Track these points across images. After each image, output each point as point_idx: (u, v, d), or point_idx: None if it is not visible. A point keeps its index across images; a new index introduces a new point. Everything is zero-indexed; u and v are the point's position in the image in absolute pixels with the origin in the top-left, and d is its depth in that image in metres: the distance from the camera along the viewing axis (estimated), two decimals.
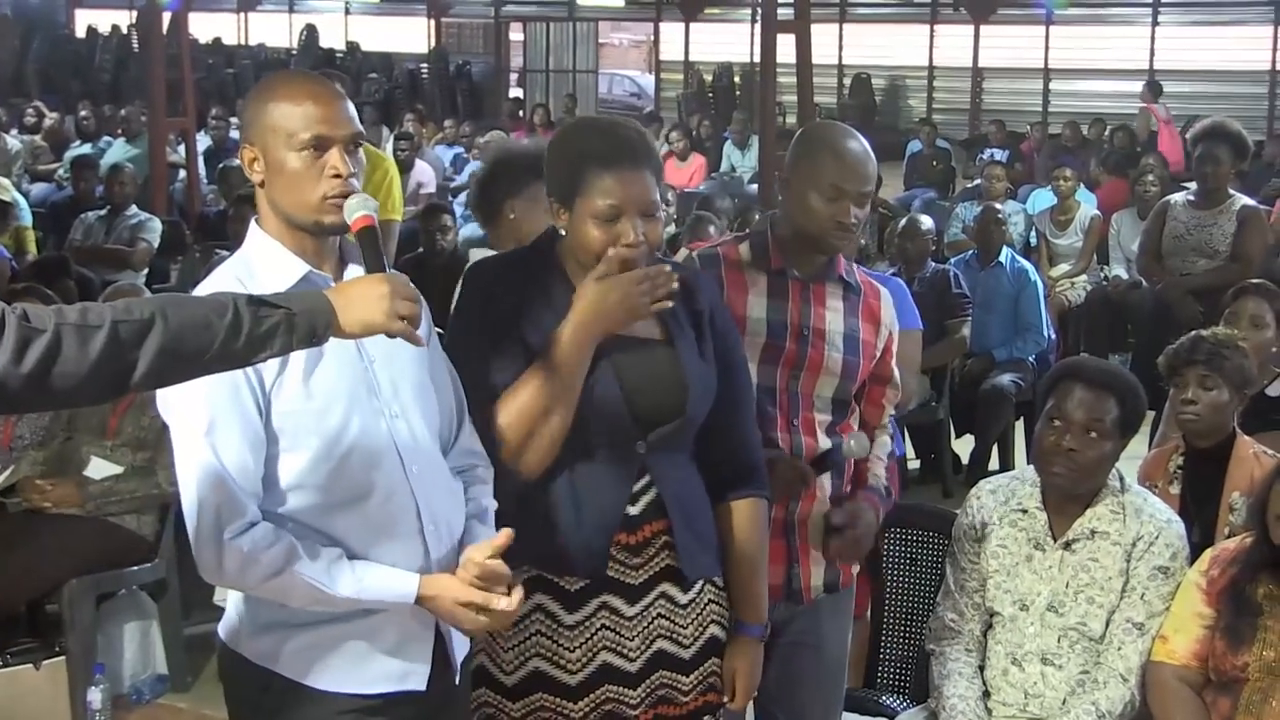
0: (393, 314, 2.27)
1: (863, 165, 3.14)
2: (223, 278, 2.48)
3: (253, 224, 2.54)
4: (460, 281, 2.89)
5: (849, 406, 3.28)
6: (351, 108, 2.52)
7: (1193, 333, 4.09)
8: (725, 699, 2.92)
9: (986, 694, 3.50)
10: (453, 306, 2.90)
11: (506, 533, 2.50)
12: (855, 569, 3.38)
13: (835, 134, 3.22)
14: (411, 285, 2.34)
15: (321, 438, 2.43)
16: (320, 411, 2.43)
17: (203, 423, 2.37)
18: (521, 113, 19.76)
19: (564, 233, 2.76)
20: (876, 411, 3.36)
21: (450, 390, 2.68)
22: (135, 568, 4.86)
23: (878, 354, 3.30)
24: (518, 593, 2.51)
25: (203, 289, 2.44)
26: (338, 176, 2.44)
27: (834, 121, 3.52)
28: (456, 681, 2.63)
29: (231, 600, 2.57)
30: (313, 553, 2.40)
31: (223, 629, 2.59)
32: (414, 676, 2.54)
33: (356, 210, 2.44)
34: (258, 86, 2.55)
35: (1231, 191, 7.09)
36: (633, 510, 2.78)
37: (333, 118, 2.45)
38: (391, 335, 2.30)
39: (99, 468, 4.76)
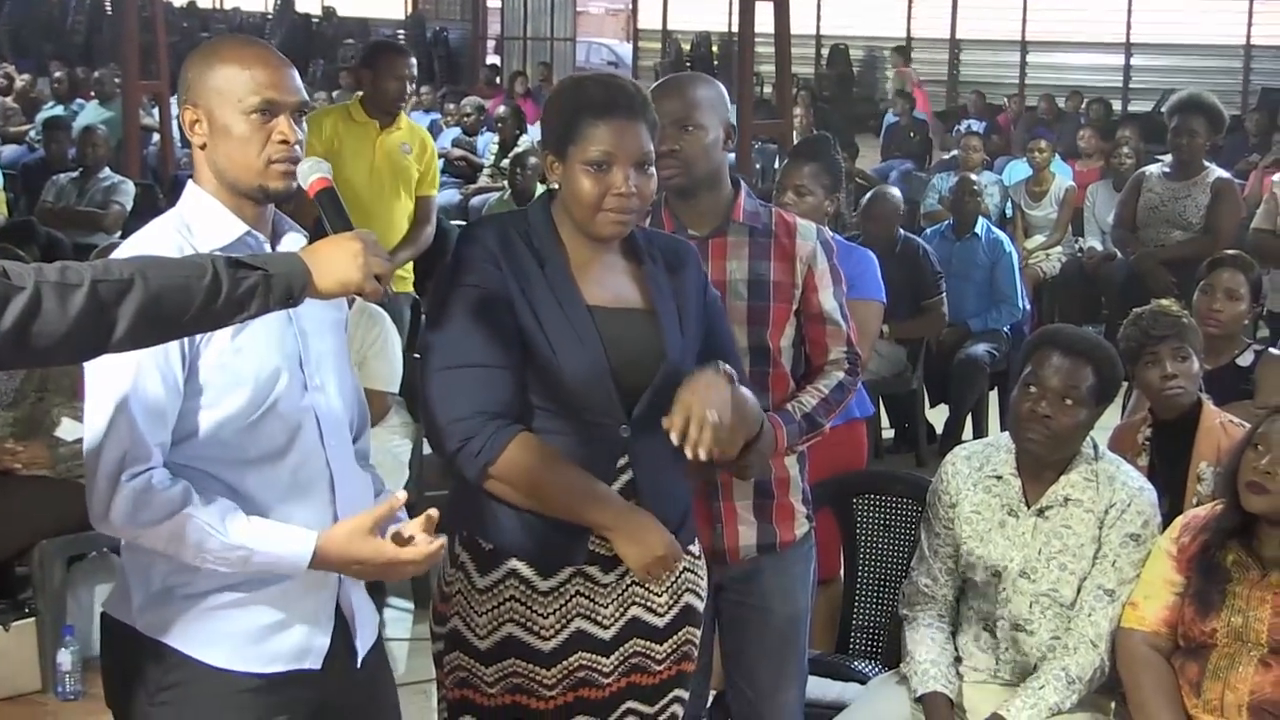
0: (368, 272, 2.27)
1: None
2: (162, 232, 2.46)
3: (189, 183, 2.52)
4: (456, 243, 2.86)
5: (769, 352, 3.24)
6: (298, 77, 2.52)
7: (1147, 308, 4.09)
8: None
9: (958, 659, 3.51)
10: (444, 267, 2.86)
11: (403, 495, 2.49)
12: (801, 530, 3.34)
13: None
14: (379, 243, 2.33)
15: (246, 394, 2.41)
16: (249, 369, 2.42)
17: (121, 367, 2.33)
18: (499, 80, 19.67)
19: (557, 185, 2.75)
20: (818, 350, 3.32)
21: (353, 390, 2.68)
22: (92, 523, 4.83)
23: (797, 292, 3.27)
24: (423, 540, 2.45)
25: (137, 243, 2.43)
26: (285, 142, 2.43)
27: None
28: (358, 665, 2.60)
29: (121, 569, 2.53)
30: (208, 499, 2.36)
31: (109, 601, 2.55)
32: (311, 655, 2.51)
33: (311, 173, 2.44)
34: (201, 49, 2.53)
35: (1206, 164, 7.11)
36: (613, 488, 2.76)
37: (282, 84, 2.45)
38: (366, 294, 2.29)
39: (70, 429, 4.73)
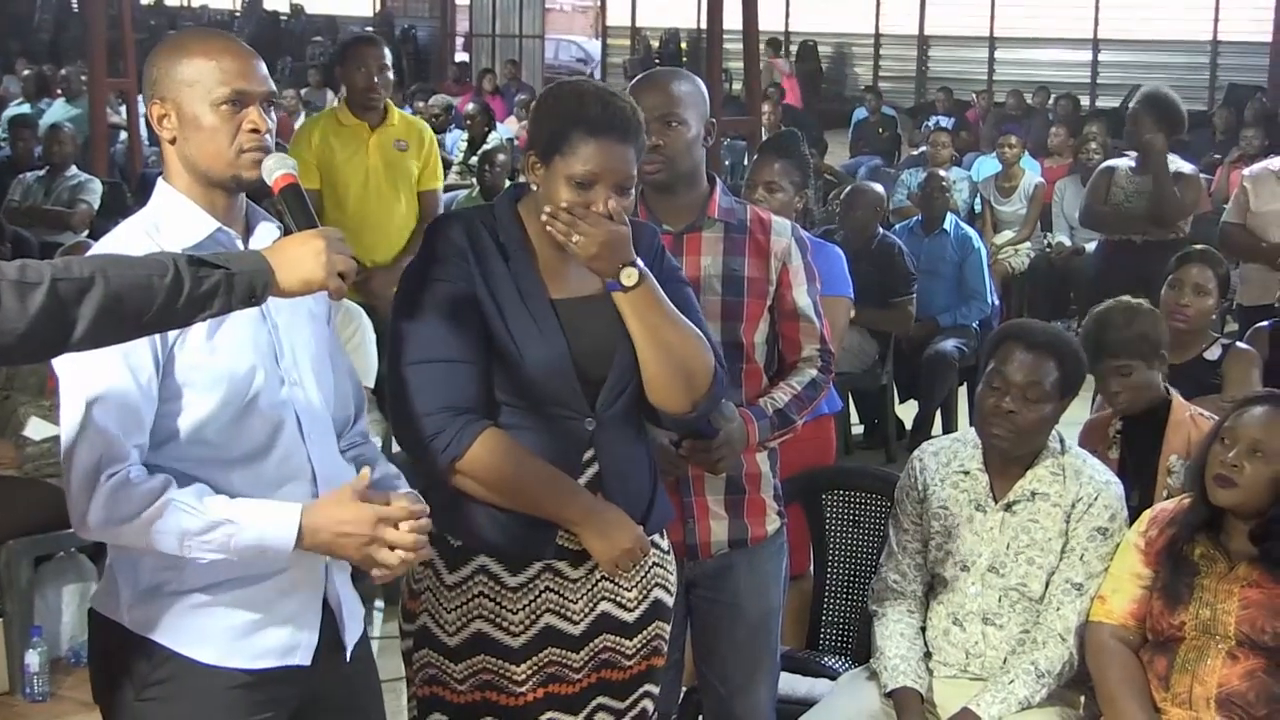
0: (332, 270, 2.27)
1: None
2: (130, 232, 2.45)
3: (159, 181, 2.51)
4: (423, 237, 2.86)
5: (742, 347, 3.25)
6: (265, 67, 2.51)
7: (1094, 316, 4.07)
8: None
9: (928, 654, 3.52)
10: (411, 261, 2.86)
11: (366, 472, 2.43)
12: (772, 526, 3.36)
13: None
14: (344, 240, 2.32)
15: (224, 393, 2.40)
16: (224, 368, 2.41)
17: (92, 369, 2.31)
18: (468, 77, 19.64)
19: (535, 187, 2.74)
20: (792, 347, 3.34)
21: (348, 378, 2.68)
22: (73, 530, 4.80)
23: (771, 288, 3.28)
24: (406, 526, 2.39)
25: (108, 244, 2.41)
26: (255, 131, 2.42)
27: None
28: (348, 660, 2.60)
29: (109, 566, 2.52)
30: (185, 485, 2.33)
31: (96, 597, 2.54)
32: (299, 651, 2.51)
33: (276, 169, 2.43)
34: (166, 42, 2.52)
35: (1172, 158, 7.14)
36: (580, 482, 2.76)
37: (251, 74, 2.45)
38: (330, 291, 2.29)
39: (37, 428, 4.71)
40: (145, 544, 2.33)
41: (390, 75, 6.12)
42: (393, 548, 2.37)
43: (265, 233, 2.54)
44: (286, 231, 2.39)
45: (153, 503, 2.29)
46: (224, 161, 2.43)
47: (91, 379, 2.33)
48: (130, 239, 2.41)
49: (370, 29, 25.41)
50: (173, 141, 2.46)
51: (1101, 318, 4.03)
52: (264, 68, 2.50)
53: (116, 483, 2.30)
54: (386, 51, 6.18)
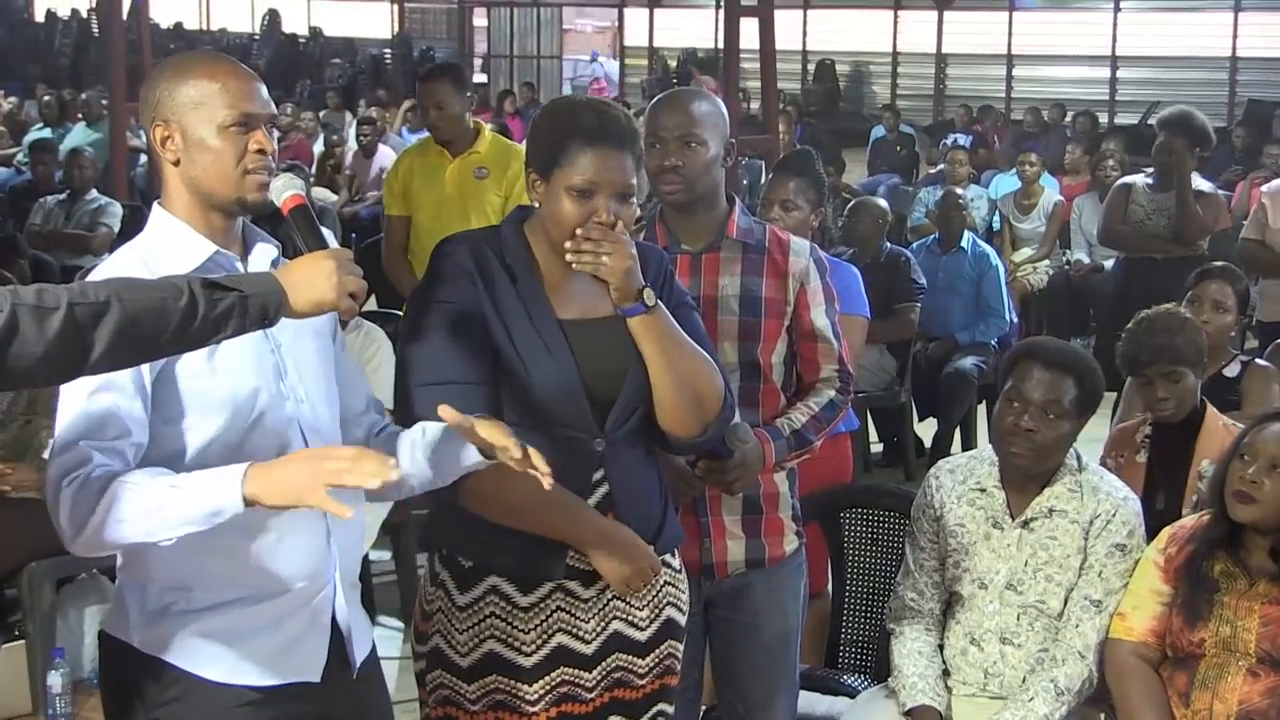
0: (343, 290, 2.27)
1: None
2: (124, 261, 2.45)
3: (155, 206, 2.52)
4: (430, 259, 2.87)
5: (760, 368, 3.25)
6: (265, 89, 2.52)
7: (1139, 323, 4.09)
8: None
9: (946, 672, 3.52)
10: (418, 284, 2.87)
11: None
12: (790, 546, 3.36)
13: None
14: (353, 261, 2.33)
15: (229, 412, 2.41)
16: (227, 389, 2.41)
17: (76, 388, 2.31)
18: (488, 100, 19.70)
19: (537, 205, 2.75)
20: (810, 368, 3.33)
21: (360, 384, 2.69)
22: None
23: (788, 309, 3.28)
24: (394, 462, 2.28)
25: (103, 272, 2.41)
26: (261, 153, 2.43)
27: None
28: (354, 677, 2.60)
29: (118, 589, 2.53)
30: (138, 470, 2.30)
31: (106, 620, 2.55)
32: (308, 668, 2.51)
33: (285, 190, 2.43)
34: (167, 65, 2.52)
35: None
36: (589, 502, 2.77)
37: (255, 96, 2.46)
38: (341, 312, 2.30)
39: None
40: (117, 538, 2.26)
41: (453, 108, 5.91)
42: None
43: (262, 253, 2.55)
44: (297, 252, 2.40)
45: (104, 491, 2.25)
46: (229, 184, 2.44)
47: (67, 399, 2.33)
48: (125, 267, 2.40)
49: (389, 51, 25.55)
50: (176, 163, 2.47)
51: (1148, 325, 4.05)
52: (265, 90, 2.51)
53: (75, 486, 2.27)
54: (448, 85, 5.95)
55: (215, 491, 2.23)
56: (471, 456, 2.51)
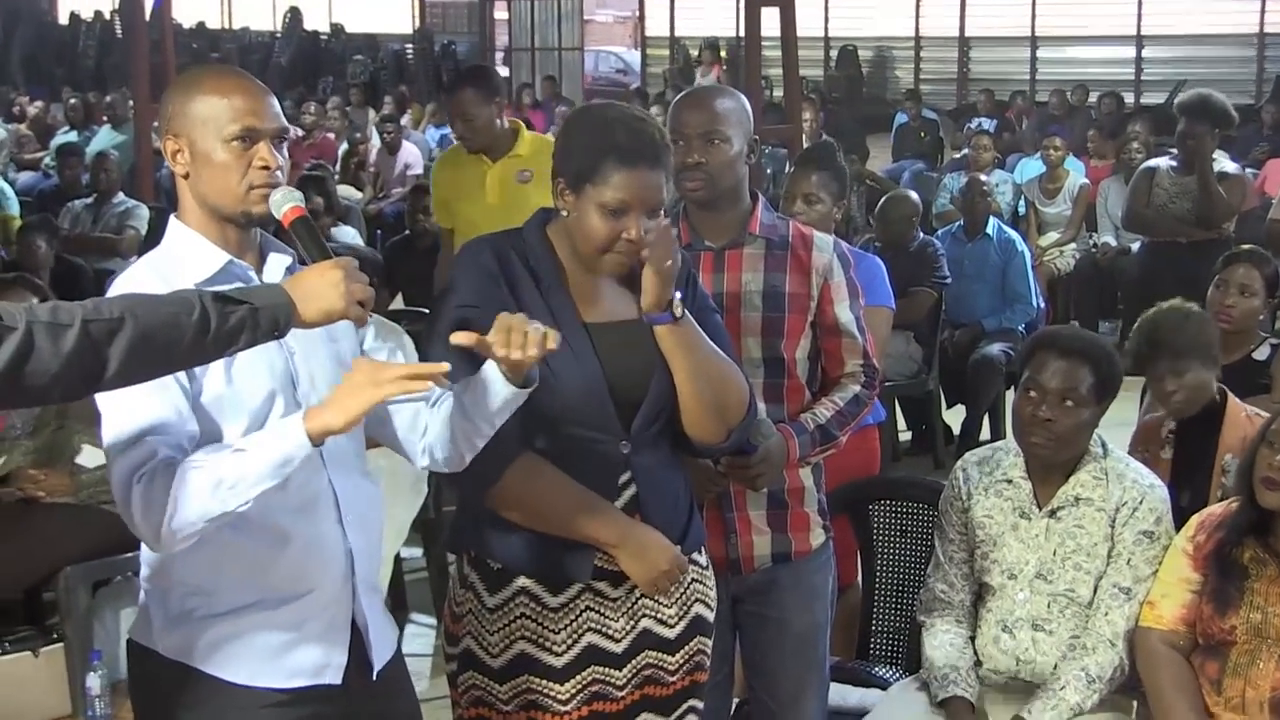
0: (351, 299, 2.30)
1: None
2: (142, 273, 2.49)
3: (172, 218, 2.55)
4: (456, 259, 2.88)
5: (784, 363, 3.25)
6: (278, 104, 2.55)
7: (1144, 320, 4.09)
8: None
9: (978, 663, 3.52)
10: (445, 284, 2.88)
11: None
12: (817, 540, 3.36)
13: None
14: (360, 268, 2.35)
15: (246, 420, 2.43)
16: (242, 398, 2.44)
17: (121, 400, 2.34)
18: (512, 94, 19.72)
19: (565, 214, 2.76)
20: (834, 363, 3.34)
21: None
22: (130, 554, 4.86)
23: (813, 304, 3.28)
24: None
25: (121, 285, 2.44)
26: (265, 168, 2.46)
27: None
28: (374, 678, 2.62)
29: (142, 596, 2.56)
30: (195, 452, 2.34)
31: (133, 628, 2.58)
32: (330, 670, 2.54)
33: (284, 203, 2.46)
34: (181, 79, 2.58)
35: (1215, 157, 7.11)
36: (616, 505, 2.78)
37: (261, 111, 2.48)
38: (352, 319, 2.33)
39: (91, 456, 4.77)
40: (196, 517, 2.29)
41: (480, 118, 5.57)
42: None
43: (276, 262, 2.57)
44: (304, 262, 2.42)
45: (172, 479, 2.29)
46: (234, 197, 2.47)
47: (116, 402, 2.36)
48: (144, 280, 2.44)
49: (410, 46, 25.56)
50: (186, 176, 2.50)
51: (1153, 321, 4.03)
52: (276, 105, 2.54)
53: (145, 481, 2.31)
54: (470, 94, 5.59)
55: (281, 440, 2.31)
56: (499, 392, 2.48)
